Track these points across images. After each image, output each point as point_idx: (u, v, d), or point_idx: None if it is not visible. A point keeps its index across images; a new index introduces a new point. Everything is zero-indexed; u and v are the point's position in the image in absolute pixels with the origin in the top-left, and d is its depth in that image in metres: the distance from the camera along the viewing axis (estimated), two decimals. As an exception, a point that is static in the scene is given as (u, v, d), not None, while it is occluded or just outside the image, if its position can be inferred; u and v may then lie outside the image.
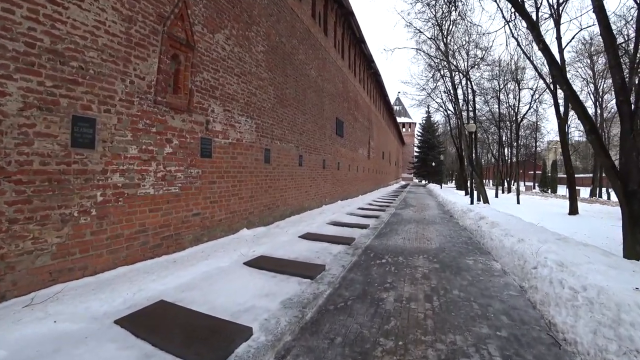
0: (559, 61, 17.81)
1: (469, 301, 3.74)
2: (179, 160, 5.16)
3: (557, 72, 7.54)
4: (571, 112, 22.31)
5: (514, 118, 33.66)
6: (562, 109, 18.15)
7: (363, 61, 18.98)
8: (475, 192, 22.68)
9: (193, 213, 5.46)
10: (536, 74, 21.51)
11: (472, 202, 12.73)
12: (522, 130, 30.61)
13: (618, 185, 6.52)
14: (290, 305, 3.49)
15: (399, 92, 61.68)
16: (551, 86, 18.27)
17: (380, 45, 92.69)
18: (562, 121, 17.89)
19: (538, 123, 36.67)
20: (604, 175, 36.44)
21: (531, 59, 19.00)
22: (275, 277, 4.42)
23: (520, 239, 5.55)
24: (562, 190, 45.58)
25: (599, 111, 32.58)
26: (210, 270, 4.51)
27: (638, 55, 8.66)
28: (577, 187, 39.60)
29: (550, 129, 63.92)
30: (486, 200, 19.39)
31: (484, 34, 21.22)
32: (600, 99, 32.33)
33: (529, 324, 3.21)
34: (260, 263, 4.96)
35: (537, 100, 29.05)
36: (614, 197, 33.62)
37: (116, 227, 4.20)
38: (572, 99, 7.22)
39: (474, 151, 19.04)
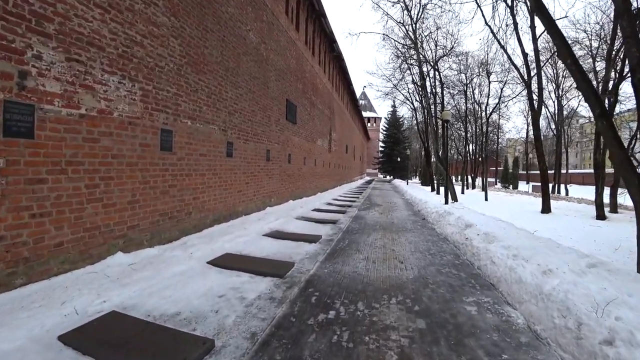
0: (533, 52, 16.65)
1: None
2: None
3: (560, 42, 5.66)
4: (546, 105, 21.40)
5: (479, 114, 33.14)
6: (535, 102, 16.90)
7: (324, 40, 16.68)
8: (442, 189, 21.40)
9: (-17, 238, 2.94)
10: (509, 64, 20.40)
11: (446, 202, 10.92)
12: (486, 127, 29.82)
13: (635, 184, 4.86)
14: None
15: (365, 87, 60.07)
16: (525, 76, 17.06)
17: (344, 29, 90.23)
18: (536, 114, 16.66)
19: (500, 121, 36.40)
20: (563, 172, 36.90)
21: (504, 47, 17.76)
22: (93, 383, 2.06)
23: (545, 268, 3.53)
24: (522, 185, 46.42)
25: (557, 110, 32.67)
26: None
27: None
28: (539, 184, 40.14)
29: (511, 127, 65.34)
30: (455, 198, 17.94)
31: (456, 2, 19.68)
32: (560, 98, 32.28)
33: None
34: (94, 335, 2.56)
35: (512, 97, 28.25)
36: (572, 193, 33.98)
37: None
38: (580, 75, 5.42)
39: (444, 144, 17.48)
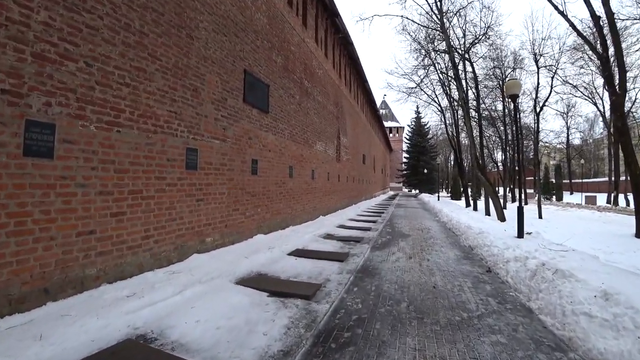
0: (605, 15, 12.11)
1: None
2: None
3: None
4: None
5: (511, 116, 28.18)
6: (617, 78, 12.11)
7: (322, 12, 12.60)
8: (480, 204, 16.59)
9: None
10: (572, 32, 15.75)
11: (520, 234, 6.39)
12: (536, 125, 24.74)
13: None
14: None
15: (385, 95, 55.81)
16: (598, 47, 12.42)
17: (354, 13, 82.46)
18: (619, 97, 11.84)
19: (537, 125, 30.96)
20: (622, 179, 30.83)
21: (564, 12, 13.13)
22: None
23: None
24: (566, 197, 40.13)
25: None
26: None
27: None
28: (593, 194, 34.16)
29: (549, 130, 58.55)
30: (502, 217, 13.15)
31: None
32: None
33: None
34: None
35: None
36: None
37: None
38: None
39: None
